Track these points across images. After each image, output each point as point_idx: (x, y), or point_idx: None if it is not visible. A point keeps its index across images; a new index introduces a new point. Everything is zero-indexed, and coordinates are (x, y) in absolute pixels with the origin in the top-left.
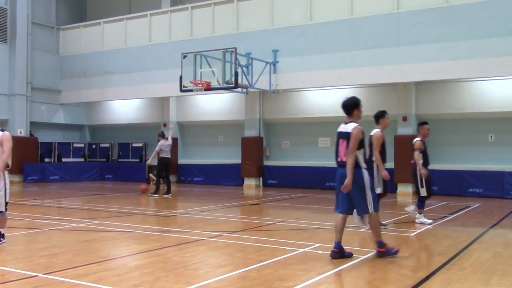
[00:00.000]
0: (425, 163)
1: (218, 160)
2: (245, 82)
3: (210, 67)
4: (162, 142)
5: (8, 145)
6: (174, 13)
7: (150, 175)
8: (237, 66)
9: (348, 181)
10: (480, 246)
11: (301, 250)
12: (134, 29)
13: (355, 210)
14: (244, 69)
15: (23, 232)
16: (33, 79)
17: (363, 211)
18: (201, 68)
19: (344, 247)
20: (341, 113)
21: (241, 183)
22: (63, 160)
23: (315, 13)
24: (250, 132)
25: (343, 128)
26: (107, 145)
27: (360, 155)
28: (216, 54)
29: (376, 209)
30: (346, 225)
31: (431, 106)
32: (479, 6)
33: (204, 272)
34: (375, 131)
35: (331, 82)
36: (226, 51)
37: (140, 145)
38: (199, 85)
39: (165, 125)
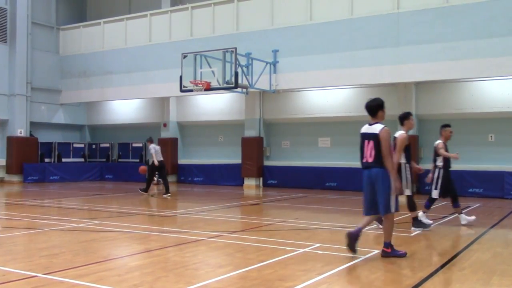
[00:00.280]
0: (447, 165)
1: (218, 160)
2: (245, 82)
3: (210, 67)
4: (154, 145)
5: None
6: (174, 13)
7: None
8: (237, 66)
9: (394, 183)
10: (480, 246)
11: (301, 250)
12: (134, 29)
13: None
14: (244, 69)
15: (23, 232)
16: (33, 79)
17: (385, 211)
18: (201, 68)
19: (344, 247)
20: (341, 113)
21: (241, 183)
22: (63, 160)
23: (315, 13)
24: (250, 132)
25: (368, 129)
26: (107, 145)
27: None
28: (216, 54)
29: (397, 209)
30: (346, 225)
31: (431, 106)
32: (479, 6)
33: (204, 272)
34: (400, 133)
35: (331, 82)
36: (226, 51)
37: (140, 145)
38: (199, 85)
39: (165, 125)
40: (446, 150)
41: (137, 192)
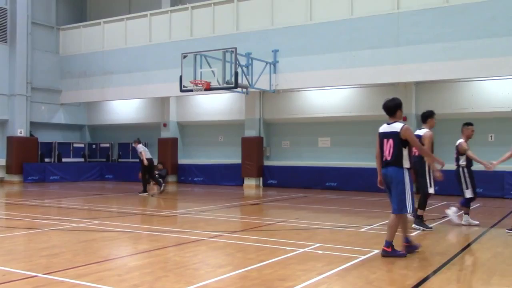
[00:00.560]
0: (470, 164)
1: (218, 160)
2: (245, 82)
3: (210, 67)
4: (141, 145)
5: None
6: (174, 13)
7: None
8: (237, 66)
9: (433, 166)
10: (480, 246)
11: (301, 250)
12: (134, 29)
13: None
14: (244, 69)
15: (23, 232)
16: (33, 79)
17: (400, 210)
18: (201, 68)
19: (344, 247)
20: (341, 113)
21: (241, 183)
22: (63, 160)
23: (315, 13)
24: (250, 132)
25: (387, 128)
26: (107, 145)
27: (404, 153)
28: (216, 54)
29: (412, 210)
30: (346, 225)
31: (431, 106)
32: (479, 6)
33: (204, 272)
34: (426, 131)
35: (331, 82)
36: (226, 51)
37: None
38: (199, 85)
39: (165, 125)
40: (468, 148)
41: (137, 192)
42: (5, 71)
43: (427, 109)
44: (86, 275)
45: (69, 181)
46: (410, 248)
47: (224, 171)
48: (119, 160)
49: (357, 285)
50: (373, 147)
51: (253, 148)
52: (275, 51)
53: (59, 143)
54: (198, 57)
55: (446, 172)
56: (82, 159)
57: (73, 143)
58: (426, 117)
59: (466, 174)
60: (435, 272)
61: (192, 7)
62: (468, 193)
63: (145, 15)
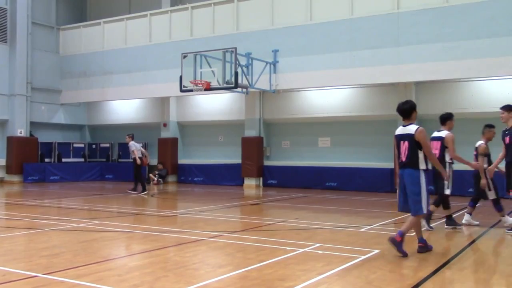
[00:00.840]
0: (489, 165)
1: (218, 160)
2: (245, 82)
3: (210, 67)
4: (134, 142)
5: None
6: (174, 13)
7: (150, 175)
8: (237, 66)
9: (444, 174)
10: (480, 246)
11: (301, 250)
12: (134, 29)
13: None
14: (244, 69)
15: (23, 232)
16: (33, 79)
17: (416, 212)
18: (201, 68)
19: (344, 247)
20: (341, 113)
21: (241, 183)
22: (63, 160)
23: (315, 13)
24: (250, 132)
25: (403, 130)
26: (107, 145)
27: (420, 155)
28: (216, 54)
29: (428, 211)
30: (347, 225)
31: (431, 106)
32: (479, 6)
33: (204, 272)
34: (447, 133)
35: (331, 82)
36: (226, 51)
37: (140, 145)
38: (199, 85)
39: (165, 125)
40: (488, 151)
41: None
42: (5, 71)
43: (445, 111)
44: (86, 275)
45: (69, 181)
46: (424, 248)
47: (224, 171)
48: (119, 160)
49: (357, 285)
50: (373, 147)
51: (253, 148)
52: (275, 51)
53: (59, 143)
54: (198, 57)
55: (463, 173)
56: (82, 159)
57: (73, 143)
58: (445, 119)
59: (488, 176)
60: (435, 272)
61: (192, 7)
62: (492, 195)
63: (145, 15)
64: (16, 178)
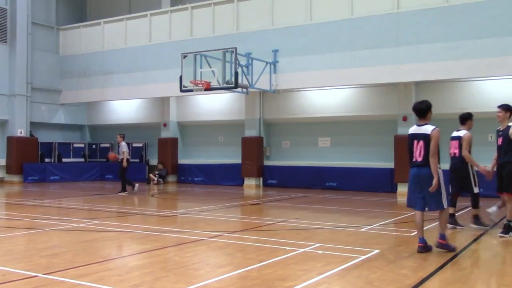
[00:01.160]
0: None
1: (218, 160)
2: (245, 82)
3: (210, 67)
4: (125, 144)
5: None
6: (174, 13)
7: (150, 175)
8: (237, 66)
9: (434, 181)
10: (480, 246)
11: (301, 250)
12: (134, 29)
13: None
14: (244, 69)
15: (23, 232)
16: (33, 79)
17: (437, 207)
18: (201, 68)
19: (344, 247)
20: (341, 113)
21: (241, 183)
22: (63, 160)
23: (315, 13)
24: (250, 132)
25: (418, 129)
26: (107, 145)
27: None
28: (216, 54)
29: (449, 204)
30: (347, 225)
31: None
32: (479, 6)
33: (204, 272)
34: (465, 132)
35: (331, 82)
36: (226, 51)
37: (140, 145)
38: (199, 85)
39: (165, 125)
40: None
41: (136, 192)
42: (5, 71)
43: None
44: (86, 275)
45: (69, 181)
46: (424, 248)
47: (224, 171)
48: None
49: (357, 285)
50: (373, 147)
51: (253, 148)
52: (275, 51)
53: (59, 143)
54: (198, 57)
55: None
56: (82, 159)
57: (73, 143)
58: (465, 119)
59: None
60: (435, 272)
61: (192, 7)
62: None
63: (145, 15)
64: (16, 178)
